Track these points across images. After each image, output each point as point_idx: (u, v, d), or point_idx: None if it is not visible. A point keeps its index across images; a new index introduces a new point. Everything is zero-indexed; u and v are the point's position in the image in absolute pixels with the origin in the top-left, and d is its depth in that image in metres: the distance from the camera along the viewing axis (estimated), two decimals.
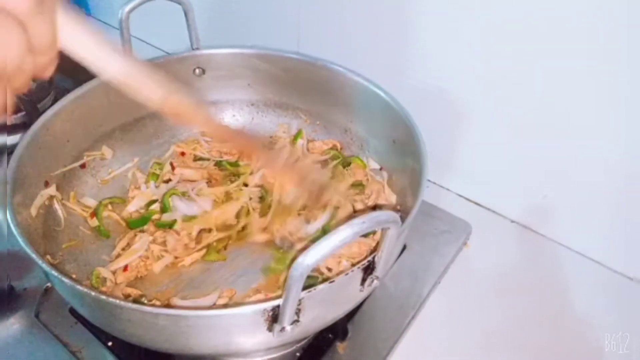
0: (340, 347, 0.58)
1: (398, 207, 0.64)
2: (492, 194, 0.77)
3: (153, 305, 0.55)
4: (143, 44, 1.15)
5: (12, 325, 0.60)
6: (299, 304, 0.41)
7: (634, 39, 0.55)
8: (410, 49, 0.73)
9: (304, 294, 0.40)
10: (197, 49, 0.73)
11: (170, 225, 0.64)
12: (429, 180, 0.80)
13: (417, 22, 0.70)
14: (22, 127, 0.83)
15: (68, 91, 0.64)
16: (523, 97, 0.66)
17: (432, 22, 0.68)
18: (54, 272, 0.44)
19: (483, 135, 0.73)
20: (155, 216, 0.66)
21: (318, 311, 0.45)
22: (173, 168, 0.71)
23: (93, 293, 0.42)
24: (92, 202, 0.67)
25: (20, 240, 0.47)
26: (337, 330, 0.59)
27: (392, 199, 0.67)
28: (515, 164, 0.72)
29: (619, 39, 0.56)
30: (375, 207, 0.67)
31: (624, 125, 0.60)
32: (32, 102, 0.90)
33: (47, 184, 0.61)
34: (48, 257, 0.56)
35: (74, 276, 0.59)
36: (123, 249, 0.62)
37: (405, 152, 0.62)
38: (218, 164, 0.73)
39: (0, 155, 0.63)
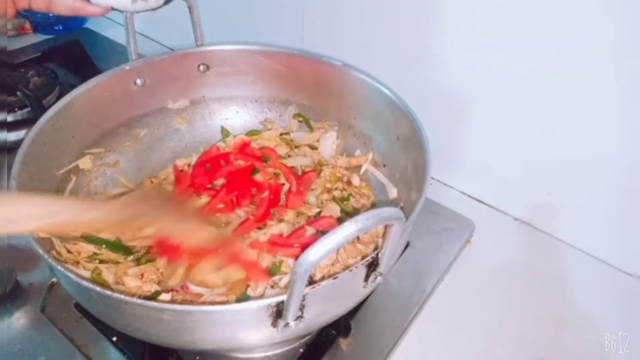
0: (343, 343, 0.59)
1: (401, 204, 0.64)
2: (495, 191, 0.77)
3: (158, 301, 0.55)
4: (148, 41, 1.15)
5: (18, 320, 0.60)
6: (303, 300, 0.41)
7: (637, 41, 0.54)
8: (414, 45, 0.73)
9: (308, 290, 0.40)
10: (202, 45, 0.73)
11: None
12: (432, 178, 0.80)
13: (422, 19, 0.70)
14: (27, 123, 0.84)
15: (73, 87, 0.65)
16: (527, 95, 0.66)
17: (437, 19, 0.68)
18: (60, 267, 0.44)
19: (487, 133, 0.73)
20: None
21: (322, 307, 0.45)
22: None
23: (98, 288, 0.42)
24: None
25: (26, 235, 0.47)
26: (340, 327, 0.60)
27: (394, 192, 0.67)
28: (519, 162, 0.71)
29: (622, 40, 0.55)
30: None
31: (628, 124, 0.60)
32: (37, 98, 0.90)
33: None
34: (53, 252, 0.56)
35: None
36: None
37: (409, 149, 0.62)
38: None
39: (1, 152, 0.63)
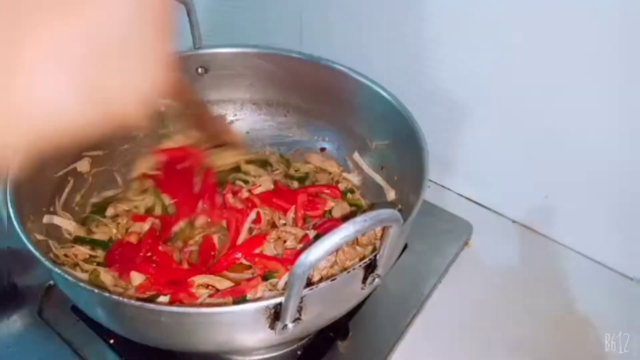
0: (341, 345, 0.59)
1: (399, 207, 0.64)
2: (493, 194, 0.77)
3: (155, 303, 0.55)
4: None
5: (15, 323, 0.60)
6: (300, 302, 0.41)
7: (635, 43, 0.55)
8: (412, 48, 0.73)
9: (306, 291, 0.40)
10: (200, 48, 0.73)
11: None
12: (430, 180, 0.79)
13: (420, 22, 0.70)
14: None
15: None
16: (525, 98, 0.66)
17: (436, 22, 0.69)
18: (57, 270, 0.44)
19: (485, 135, 0.73)
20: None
21: (320, 309, 0.45)
22: None
23: (96, 290, 0.42)
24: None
25: (23, 237, 0.47)
26: (338, 329, 0.59)
27: (391, 194, 0.67)
28: (517, 164, 0.72)
29: (621, 43, 0.56)
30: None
31: (626, 126, 0.60)
32: None
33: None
34: (51, 254, 0.56)
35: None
36: None
37: (407, 152, 0.62)
38: None
39: None
